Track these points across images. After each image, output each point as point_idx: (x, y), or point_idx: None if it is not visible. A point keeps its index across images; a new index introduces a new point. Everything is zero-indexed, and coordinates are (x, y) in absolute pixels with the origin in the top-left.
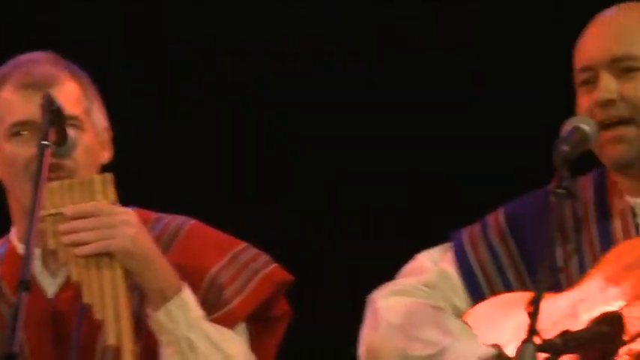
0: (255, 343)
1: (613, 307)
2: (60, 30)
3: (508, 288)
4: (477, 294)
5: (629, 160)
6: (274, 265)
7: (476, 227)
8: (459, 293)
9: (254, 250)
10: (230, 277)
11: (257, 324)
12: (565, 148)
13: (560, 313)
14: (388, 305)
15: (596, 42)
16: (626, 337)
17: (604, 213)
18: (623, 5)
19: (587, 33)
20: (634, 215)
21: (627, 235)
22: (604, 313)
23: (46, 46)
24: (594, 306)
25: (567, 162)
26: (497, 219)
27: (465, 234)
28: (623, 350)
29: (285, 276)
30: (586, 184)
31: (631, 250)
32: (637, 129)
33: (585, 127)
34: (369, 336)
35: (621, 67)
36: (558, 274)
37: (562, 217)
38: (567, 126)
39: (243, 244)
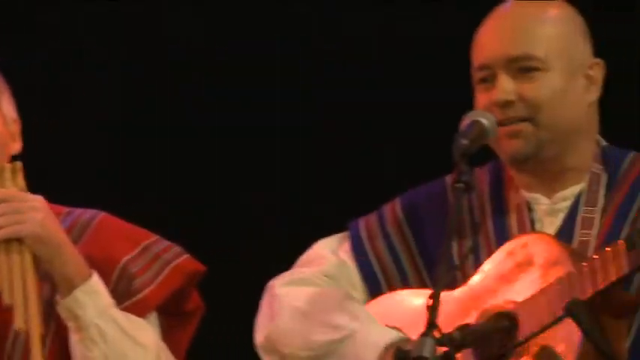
0: (167, 337)
1: (506, 305)
2: (60, 30)
3: (405, 279)
4: (373, 285)
5: (526, 154)
6: (186, 256)
7: (372, 217)
8: (356, 284)
9: (166, 243)
10: (141, 267)
11: (169, 318)
12: (464, 141)
13: (454, 308)
14: (289, 292)
15: (493, 41)
16: (521, 337)
17: (500, 207)
18: (518, 1)
19: (484, 29)
20: (529, 210)
21: (522, 230)
22: (499, 312)
23: (46, 45)
24: (488, 303)
25: (466, 156)
26: (393, 209)
27: (362, 224)
28: (519, 350)
29: (196, 267)
30: (482, 177)
31: (522, 247)
32: (534, 126)
33: (484, 122)
34: (268, 323)
35: (519, 67)
36: (455, 271)
37: (460, 211)
38: (466, 120)
39: (154, 237)
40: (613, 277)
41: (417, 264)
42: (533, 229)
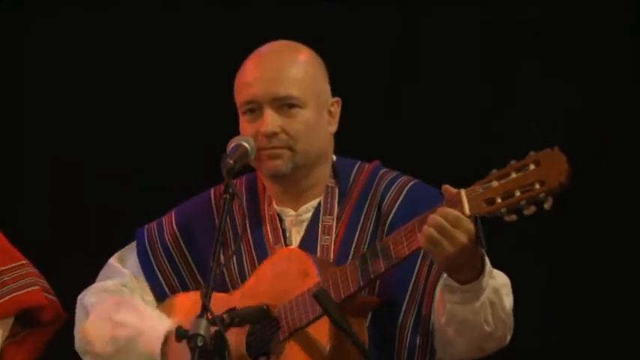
0: (22, 341)
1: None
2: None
3: (185, 287)
4: (159, 292)
5: (284, 173)
6: (31, 289)
7: (153, 227)
8: (147, 291)
9: (24, 271)
10: None
11: (25, 326)
12: (230, 161)
13: (224, 308)
14: (96, 300)
15: (259, 81)
16: (282, 336)
17: (257, 217)
18: (279, 45)
19: (248, 70)
20: (280, 220)
21: (276, 238)
22: (268, 307)
23: (46, 45)
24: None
25: (232, 172)
26: (170, 222)
27: (146, 235)
28: (281, 346)
29: (37, 300)
30: (240, 189)
31: (282, 260)
32: (291, 152)
33: (246, 145)
34: (81, 326)
35: (282, 104)
36: (222, 268)
37: (226, 221)
38: (232, 143)
39: (18, 262)
40: (352, 290)
41: (193, 271)
42: (284, 238)
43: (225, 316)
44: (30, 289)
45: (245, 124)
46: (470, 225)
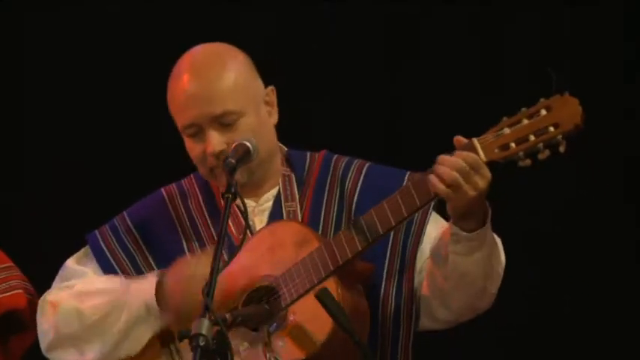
0: (5, 345)
1: (266, 279)
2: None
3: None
4: None
5: (242, 183)
6: (12, 293)
7: (106, 230)
8: None
9: (12, 274)
10: None
11: (8, 329)
12: (232, 160)
13: (219, 294)
14: (60, 296)
15: (193, 103)
16: (283, 304)
17: (216, 213)
18: (202, 58)
19: (178, 92)
20: (240, 212)
21: (239, 231)
22: (260, 286)
23: (45, 45)
24: (247, 283)
25: (234, 172)
26: (125, 223)
27: (99, 237)
28: (283, 314)
29: (16, 303)
30: (192, 187)
31: (270, 234)
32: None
33: (248, 145)
34: (51, 320)
35: (222, 121)
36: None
37: (227, 221)
38: (234, 143)
39: (7, 264)
40: (349, 255)
41: (152, 266)
42: (248, 228)
43: (227, 315)
44: (13, 292)
45: (190, 144)
46: (487, 170)
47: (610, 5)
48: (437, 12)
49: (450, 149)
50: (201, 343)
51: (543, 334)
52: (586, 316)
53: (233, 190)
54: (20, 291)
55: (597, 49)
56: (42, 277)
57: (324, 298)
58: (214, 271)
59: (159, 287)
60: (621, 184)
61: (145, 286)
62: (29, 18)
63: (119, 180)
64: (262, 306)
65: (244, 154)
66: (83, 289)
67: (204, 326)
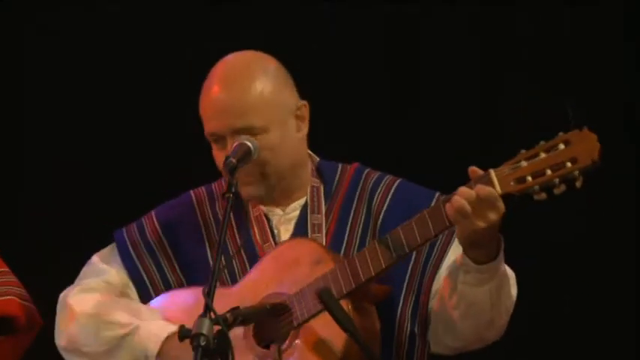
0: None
1: (278, 297)
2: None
3: (167, 285)
4: (143, 290)
5: (259, 196)
6: (6, 298)
7: (133, 228)
8: (131, 289)
9: (7, 279)
10: None
11: (1, 333)
12: (233, 160)
13: (232, 301)
14: (80, 300)
15: (218, 114)
16: (295, 323)
17: (242, 219)
18: (234, 69)
19: (206, 102)
20: (268, 220)
21: (265, 238)
22: (272, 304)
23: (45, 45)
24: (261, 297)
25: (234, 171)
26: (152, 223)
27: (126, 235)
28: (294, 333)
29: (9, 310)
30: (220, 190)
31: (289, 249)
32: (261, 176)
33: (249, 144)
34: (66, 329)
35: (244, 134)
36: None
37: (228, 222)
38: (235, 143)
39: (2, 269)
40: (372, 273)
41: (176, 270)
42: (273, 237)
43: (228, 315)
44: (6, 297)
45: (215, 152)
46: (501, 203)
47: (610, 5)
48: (437, 12)
49: (449, 150)
50: (202, 343)
51: (543, 334)
52: (586, 316)
53: (233, 189)
54: (13, 297)
55: (597, 49)
56: (42, 277)
57: (325, 297)
58: (214, 272)
59: (164, 344)
60: (622, 184)
61: (154, 331)
62: (29, 18)
63: (119, 180)
64: (263, 305)
65: (245, 154)
66: (101, 312)
67: (205, 326)
